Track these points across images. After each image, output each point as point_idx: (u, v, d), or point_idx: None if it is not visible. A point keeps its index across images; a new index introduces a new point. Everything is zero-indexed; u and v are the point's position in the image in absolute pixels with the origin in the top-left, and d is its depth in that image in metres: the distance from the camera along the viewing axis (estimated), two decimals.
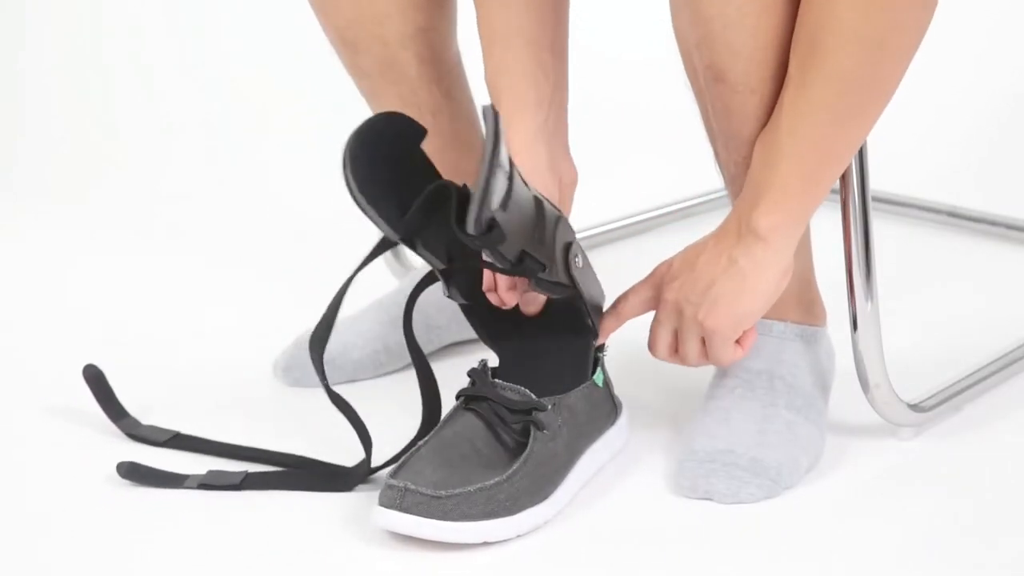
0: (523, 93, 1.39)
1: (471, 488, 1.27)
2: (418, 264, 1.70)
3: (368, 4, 1.50)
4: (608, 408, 1.42)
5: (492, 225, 1.21)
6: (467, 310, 1.41)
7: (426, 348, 1.60)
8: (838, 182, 1.35)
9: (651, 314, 1.39)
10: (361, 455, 1.37)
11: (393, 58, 1.52)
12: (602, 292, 1.40)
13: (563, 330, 1.39)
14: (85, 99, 2.40)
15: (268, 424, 1.49)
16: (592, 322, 1.37)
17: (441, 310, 1.60)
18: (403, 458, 1.30)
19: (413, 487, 1.26)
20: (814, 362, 1.44)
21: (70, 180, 2.22)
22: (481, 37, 1.41)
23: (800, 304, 1.44)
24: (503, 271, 1.31)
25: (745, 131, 1.33)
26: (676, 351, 1.38)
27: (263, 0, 2.41)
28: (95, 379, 1.49)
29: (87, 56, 2.44)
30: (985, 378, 1.52)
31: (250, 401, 1.55)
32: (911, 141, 2.10)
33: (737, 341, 1.36)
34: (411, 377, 1.40)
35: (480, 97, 1.45)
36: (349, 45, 1.53)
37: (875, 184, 1.39)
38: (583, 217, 1.52)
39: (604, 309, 1.41)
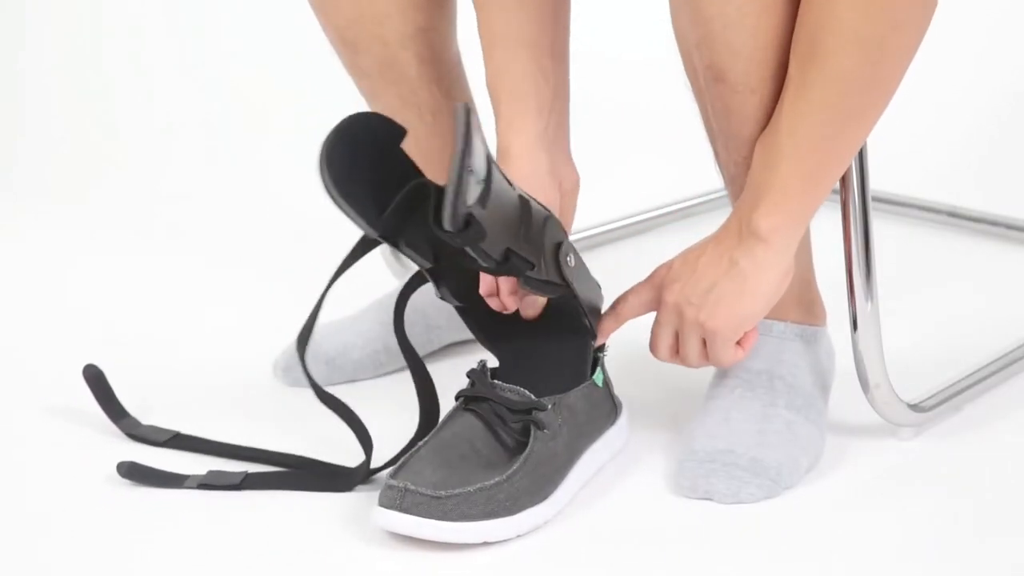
0: (523, 98, 1.38)
1: (471, 488, 1.27)
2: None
3: (368, 4, 1.50)
4: (608, 408, 1.42)
5: (469, 221, 1.21)
6: (463, 313, 1.41)
7: (425, 348, 1.60)
8: (838, 182, 1.35)
9: (651, 314, 1.39)
10: (361, 455, 1.37)
11: (393, 58, 1.52)
12: (599, 291, 1.40)
13: (560, 331, 1.39)
14: (85, 99, 2.40)
15: (268, 424, 1.49)
16: (589, 321, 1.37)
17: (440, 310, 1.60)
18: (403, 459, 1.30)
19: (413, 487, 1.26)
20: (814, 362, 1.44)
21: (70, 180, 2.22)
22: (482, 41, 1.41)
23: (800, 304, 1.44)
24: (488, 270, 1.31)
25: (745, 131, 1.33)
26: (677, 352, 1.38)
27: (263, 0, 2.41)
28: (95, 379, 1.49)
29: (87, 56, 2.44)
30: (985, 378, 1.52)
31: (250, 401, 1.55)
32: (911, 141, 2.10)
33: (738, 342, 1.36)
34: (411, 377, 1.40)
35: (480, 97, 1.45)
36: (349, 45, 1.53)
37: (875, 184, 1.39)
38: (583, 217, 1.52)
39: (603, 308, 1.41)
